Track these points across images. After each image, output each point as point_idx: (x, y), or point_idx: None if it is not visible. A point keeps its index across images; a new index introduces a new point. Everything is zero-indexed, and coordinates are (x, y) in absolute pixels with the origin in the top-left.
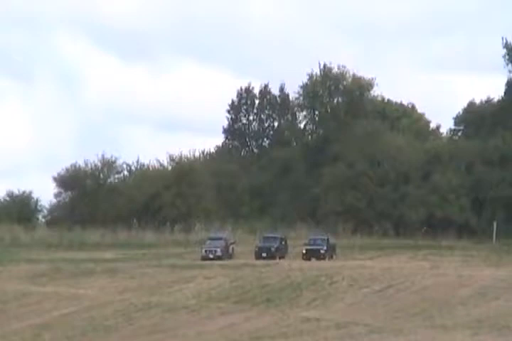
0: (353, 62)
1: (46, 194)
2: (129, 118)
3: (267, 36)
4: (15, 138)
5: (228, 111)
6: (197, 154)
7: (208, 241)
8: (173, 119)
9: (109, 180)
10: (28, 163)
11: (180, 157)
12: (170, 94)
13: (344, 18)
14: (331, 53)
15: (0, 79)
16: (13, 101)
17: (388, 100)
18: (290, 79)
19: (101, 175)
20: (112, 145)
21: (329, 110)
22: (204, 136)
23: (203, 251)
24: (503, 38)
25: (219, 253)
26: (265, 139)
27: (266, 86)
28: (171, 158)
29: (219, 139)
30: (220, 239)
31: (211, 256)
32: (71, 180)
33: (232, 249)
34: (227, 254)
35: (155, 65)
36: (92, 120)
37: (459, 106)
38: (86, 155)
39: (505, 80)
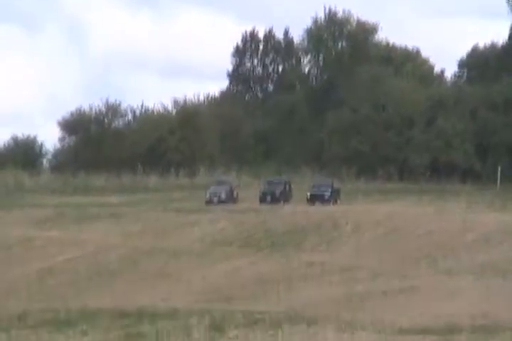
0: (358, 7)
1: (51, 138)
2: (133, 64)
3: None
4: (20, 84)
5: (232, 56)
6: (201, 98)
7: (212, 186)
8: (178, 64)
9: (113, 125)
10: (33, 108)
11: (185, 101)
12: (174, 39)
13: None
14: None
15: (5, 27)
16: (18, 48)
17: (393, 45)
18: (294, 23)
19: (105, 120)
20: (117, 90)
21: (333, 54)
22: (208, 81)
23: (207, 195)
24: None
25: (223, 197)
26: (269, 84)
27: (270, 30)
28: (176, 102)
29: (223, 84)
30: (224, 183)
31: (215, 200)
32: (75, 125)
33: (237, 193)
34: (231, 198)
35: (159, 10)
36: (97, 66)
37: (463, 51)
38: (91, 100)
39: (509, 24)
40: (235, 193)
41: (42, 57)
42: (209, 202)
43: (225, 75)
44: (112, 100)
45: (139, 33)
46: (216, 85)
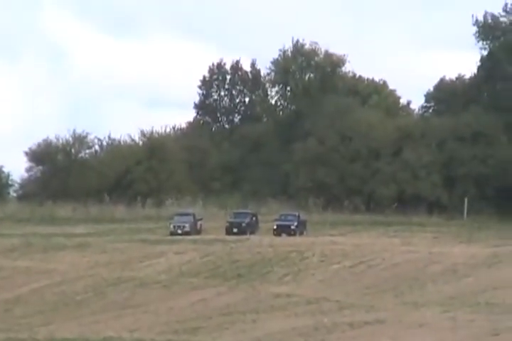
0: (326, 39)
1: (18, 168)
2: (105, 94)
3: (239, 11)
4: None
5: (200, 87)
6: (168, 130)
7: (176, 217)
8: (147, 94)
9: (80, 155)
10: (1, 137)
11: (152, 132)
12: (142, 69)
13: None
14: (303, 29)
15: None
16: None
17: (360, 76)
18: (261, 55)
19: (72, 150)
20: (85, 120)
21: (301, 86)
22: (176, 112)
23: (171, 226)
24: (473, 16)
25: (187, 228)
26: (236, 115)
27: (237, 61)
28: (143, 134)
29: (190, 115)
30: (187, 214)
31: (179, 231)
32: (42, 155)
33: (200, 225)
34: (195, 230)
35: (139, 40)
36: (67, 96)
37: (430, 83)
38: (60, 130)
39: (475, 57)
40: (198, 225)
41: (12, 86)
42: (173, 233)
43: (192, 106)
44: (78, 131)
45: (115, 63)
46: (183, 116)
